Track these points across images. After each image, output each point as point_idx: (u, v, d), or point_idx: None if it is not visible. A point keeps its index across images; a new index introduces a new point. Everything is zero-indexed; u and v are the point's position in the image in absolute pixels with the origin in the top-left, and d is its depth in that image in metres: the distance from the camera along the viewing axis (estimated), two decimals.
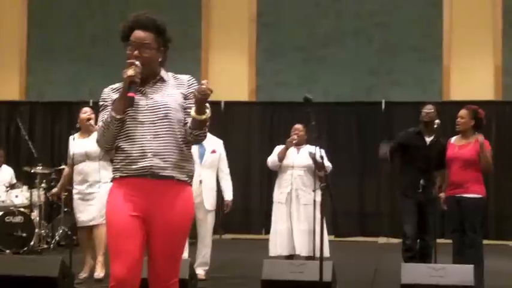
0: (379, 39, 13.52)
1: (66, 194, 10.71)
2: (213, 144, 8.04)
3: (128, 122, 3.89)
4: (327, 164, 6.44)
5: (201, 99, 3.77)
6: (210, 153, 7.93)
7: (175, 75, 4.09)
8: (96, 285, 7.77)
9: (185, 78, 4.08)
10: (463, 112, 7.56)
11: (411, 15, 13.43)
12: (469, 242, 7.32)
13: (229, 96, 13.30)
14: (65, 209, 10.80)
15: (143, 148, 3.86)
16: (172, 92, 3.98)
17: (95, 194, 7.92)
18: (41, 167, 10.67)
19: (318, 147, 6.72)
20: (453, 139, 7.62)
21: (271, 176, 9.39)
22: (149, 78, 3.97)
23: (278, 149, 8.35)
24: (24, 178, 11.31)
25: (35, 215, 10.31)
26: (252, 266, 8.30)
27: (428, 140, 7.96)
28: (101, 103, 4.03)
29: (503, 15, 13.12)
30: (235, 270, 9.20)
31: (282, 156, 8.20)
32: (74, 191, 8.08)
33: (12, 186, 10.80)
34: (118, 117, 3.83)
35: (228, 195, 8.18)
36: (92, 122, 7.97)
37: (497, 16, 13.13)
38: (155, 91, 3.97)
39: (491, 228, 12.65)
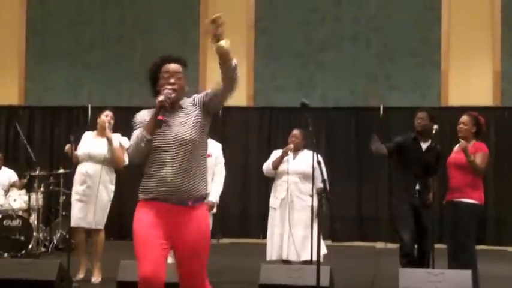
0: (377, 44, 13.53)
1: (64, 197, 10.72)
2: (210, 147, 8.01)
3: (155, 149, 4.37)
4: (322, 175, 6.26)
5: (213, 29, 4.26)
6: None
7: (189, 97, 4.57)
8: None
9: (195, 96, 4.59)
10: (465, 119, 7.52)
11: (409, 19, 13.44)
12: (461, 245, 7.31)
13: (227, 101, 13.32)
14: (63, 213, 10.80)
15: (165, 175, 4.33)
16: (189, 117, 4.45)
17: (93, 197, 7.91)
18: (39, 171, 10.68)
19: (315, 153, 6.68)
20: (456, 146, 7.62)
21: (268, 181, 9.39)
22: (175, 105, 4.45)
23: (275, 154, 8.33)
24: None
25: (33, 218, 10.31)
26: (249, 270, 8.29)
27: (424, 146, 7.94)
28: (136, 124, 4.51)
29: (502, 20, 13.12)
30: (233, 275, 9.19)
31: (276, 165, 8.18)
32: (73, 190, 8.07)
33: (13, 184, 10.81)
34: (148, 137, 4.33)
35: (214, 196, 7.82)
36: (108, 126, 7.97)
37: (496, 20, 13.13)
38: (176, 118, 4.44)
39: (490, 234, 12.64)
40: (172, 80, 4.46)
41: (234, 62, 4.45)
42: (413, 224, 7.78)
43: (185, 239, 4.34)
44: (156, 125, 4.31)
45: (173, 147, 4.34)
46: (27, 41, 14.46)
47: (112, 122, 8.06)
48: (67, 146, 8.16)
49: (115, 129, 8.20)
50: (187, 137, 4.37)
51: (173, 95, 4.39)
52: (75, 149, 8.08)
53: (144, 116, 4.50)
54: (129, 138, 4.50)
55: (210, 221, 7.96)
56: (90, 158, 7.99)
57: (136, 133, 4.40)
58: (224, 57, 4.41)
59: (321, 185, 6.83)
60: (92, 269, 8.10)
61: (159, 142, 4.35)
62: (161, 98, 4.34)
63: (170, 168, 4.31)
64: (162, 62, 4.55)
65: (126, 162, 8.07)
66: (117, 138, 8.05)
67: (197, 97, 4.54)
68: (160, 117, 4.30)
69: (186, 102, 4.52)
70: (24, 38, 14.46)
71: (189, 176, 4.34)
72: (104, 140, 8.02)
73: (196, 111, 4.47)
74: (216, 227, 9.26)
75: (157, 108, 4.33)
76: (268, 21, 13.87)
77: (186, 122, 4.42)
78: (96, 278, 8.02)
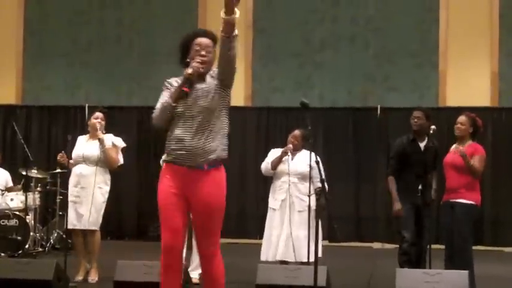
0: (375, 45, 13.53)
1: (61, 197, 10.71)
2: None
3: (177, 115, 4.70)
4: (321, 175, 6.22)
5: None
6: None
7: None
8: None
9: (214, 69, 4.86)
10: (462, 119, 7.52)
11: (407, 20, 13.44)
12: (458, 248, 7.31)
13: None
14: (60, 213, 10.79)
15: (184, 138, 4.68)
16: (209, 87, 4.75)
17: (86, 198, 7.90)
18: (36, 171, 10.67)
19: (313, 153, 6.66)
20: (453, 146, 7.62)
21: (266, 181, 9.39)
22: (201, 77, 4.75)
23: (272, 153, 8.30)
24: (20, 181, 11.27)
25: (30, 218, 10.29)
26: (247, 270, 8.28)
27: (422, 145, 7.94)
28: (166, 87, 4.83)
29: (499, 21, 13.13)
30: (230, 275, 9.06)
31: (275, 165, 8.14)
32: (69, 192, 8.07)
33: (9, 190, 10.77)
34: (173, 104, 4.67)
35: None
36: (100, 127, 7.94)
37: (494, 21, 13.14)
38: (198, 87, 4.73)
39: (487, 234, 12.65)
40: (203, 53, 4.76)
41: (236, 31, 4.73)
42: (413, 223, 7.79)
43: (200, 200, 4.69)
44: (180, 95, 4.64)
45: (193, 114, 4.67)
46: (25, 41, 14.45)
47: (103, 123, 8.03)
48: (59, 156, 8.17)
49: (111, 129, 8.18)
50: (207, 105, 4.69)
51: (201, 69, 4.70)
52: (70, 153, 8.07)
53: (172, 82, 4.79)
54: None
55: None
56: (85, 160, 7.98)
57: (162, 99, 4.74)
58: (233, 28, 4.71)
59: (319, 184, 6.82)
60: (90, 268, 8.10)
61: (181, 108, 4.68)
62: (190, 70, 4.67)
63: (188, 132, 4.65)
64: (195, 35, 4.83)
65: (120, 161, 8.07)
66: (110, 138, 8.04)
67: (215, 70, 4.80)
68: (185, 89, 4.64)
69: (209, 73, 4.81)
70: (21, 38, 14.45)
71: (206, 141, 4.67)
72: (97, 142, 8.01)
73: (215, 82, 4.76)
74: None
75: (184, 79, 4.67)
76: (267, 22, 13.86)
77: (206, 91, 4.73)
78: (92, 278, 8.02)
